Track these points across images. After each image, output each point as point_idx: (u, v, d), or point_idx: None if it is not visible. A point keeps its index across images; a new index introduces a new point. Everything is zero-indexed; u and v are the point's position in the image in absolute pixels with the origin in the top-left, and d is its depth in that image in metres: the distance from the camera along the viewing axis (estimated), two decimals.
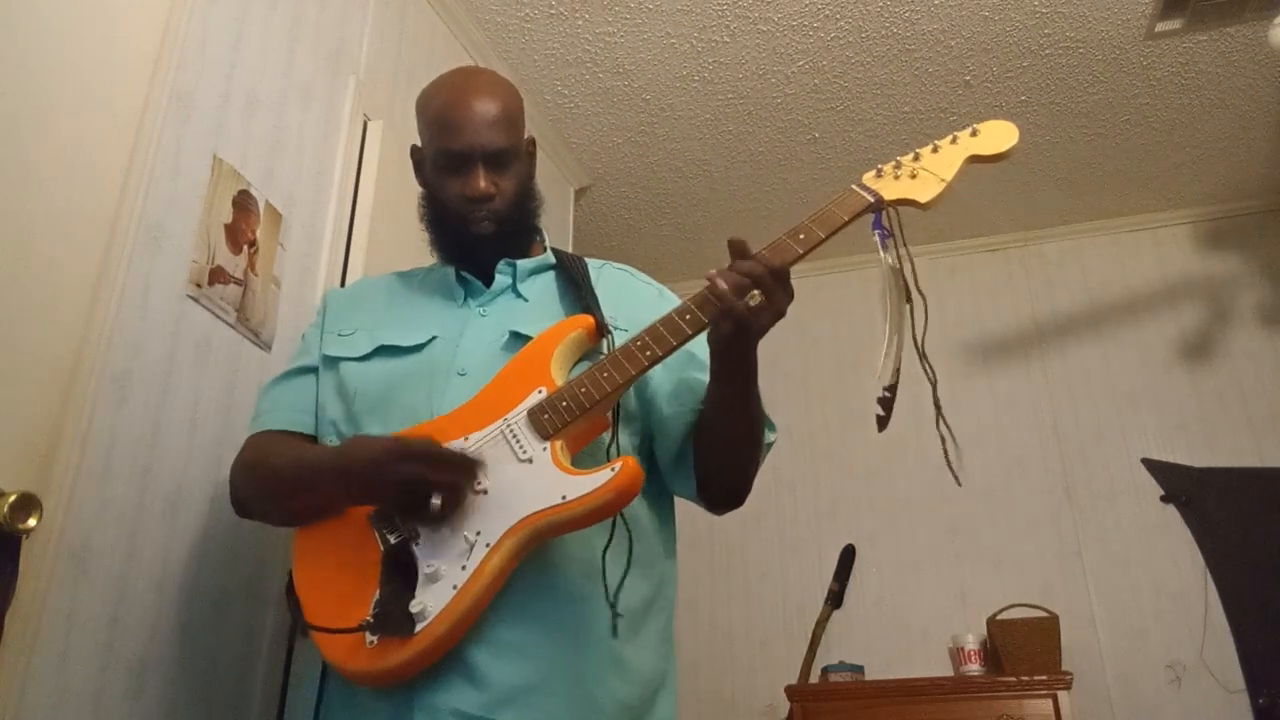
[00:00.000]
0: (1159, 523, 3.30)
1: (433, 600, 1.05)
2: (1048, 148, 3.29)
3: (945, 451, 1.19)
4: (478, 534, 1.07)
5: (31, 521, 1.16)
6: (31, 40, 1.32)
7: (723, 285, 1.09)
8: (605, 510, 1.07)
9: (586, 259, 1.42)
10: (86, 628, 1.30)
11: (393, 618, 1.05)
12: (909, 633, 3.38)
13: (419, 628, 1.04)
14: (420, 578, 1.07)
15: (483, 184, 1.30)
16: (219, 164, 1.67)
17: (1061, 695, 2.85)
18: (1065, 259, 3.78)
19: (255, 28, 1.82)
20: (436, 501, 1.07)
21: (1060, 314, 3.70)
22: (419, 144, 1.43)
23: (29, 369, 1.27)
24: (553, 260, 1.40)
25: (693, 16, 2.71)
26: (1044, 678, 2.89)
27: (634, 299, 1.35)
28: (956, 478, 1.20)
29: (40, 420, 1.27)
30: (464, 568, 1.06)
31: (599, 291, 1.33)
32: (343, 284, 1.94)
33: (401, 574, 1.08)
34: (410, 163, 1.46)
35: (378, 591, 1.08)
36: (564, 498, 1.07)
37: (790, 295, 1.11)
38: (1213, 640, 3.10)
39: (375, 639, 1.06)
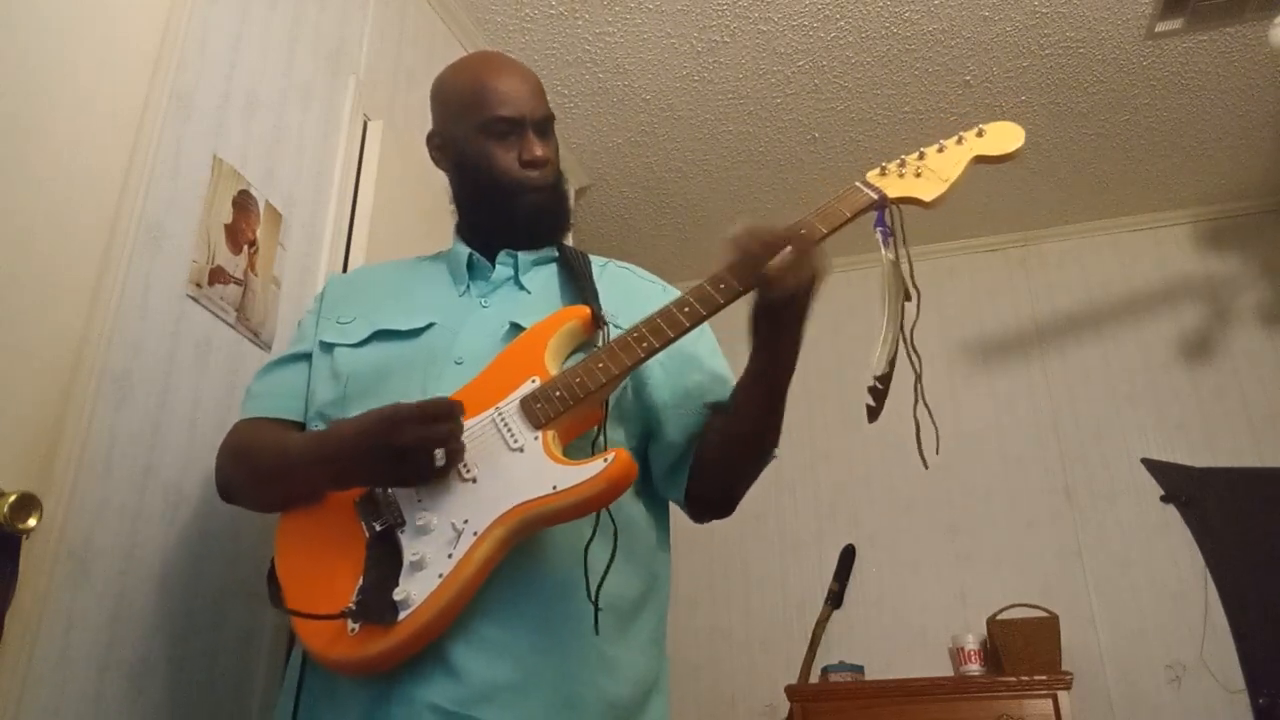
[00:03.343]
0: (1159, 523, 3.31)
1: (417, 589, 1.03)
2: (1048, 148, 3.29)
3: (918, 434, 1.18)
4: (465, 522, 1.06)
5: (31, 521, 1.16)
6: (31, 40, 1.32)
7: (752, 243, 1.09)
8: (596, 501, 1.06)
9: (590, 256, 1.41)
10: (86, 628, 1.30)
11: (375, 605, 1.03)
12: (909, 633, 3.38)
13: (402, 616, 1.02)
14: (405, 565, 1.05)
15: (540, 150, 1.31)
16: (219, 164, 1.67)
17: (1061, 695, 2.85)
18: (1065, 259, 3.78)
19: (255, 28, 1.82)
20: (441, 458, 1.05)
21: (1060, 314, 3.70)
22: (435, 130, 1.41)
23: (29, 369, 1.27)
24: (555, 253, 1.38)
25: (693, 16, 2.71)
26: (1044, 678, 2.89)
27: (636, 297, 1.34)
28: (924, 460, 1.19)
29: (40, 420, 1.27)
30: (450, 556, 1.04)
31: (600, 288, 1.32)
32: None
33: (386, 561, 1.06)
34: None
35: (361, 579, 1.06)
36: (554, 487, 1.05)
37: (822, 265, 1.10)
38: (1213, 640, 3.10)
39: (357, 626, 1.04)
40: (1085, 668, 3.13)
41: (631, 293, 1.36)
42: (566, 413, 1.11)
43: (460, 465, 1.09)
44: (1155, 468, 3.38)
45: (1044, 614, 3.12)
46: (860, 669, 3.22)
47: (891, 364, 1.18)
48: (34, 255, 1.28)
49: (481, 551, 1.04)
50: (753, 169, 3.38)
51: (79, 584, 1.30)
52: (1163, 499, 3.33)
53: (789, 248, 1.08)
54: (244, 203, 1.72)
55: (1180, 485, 3.33)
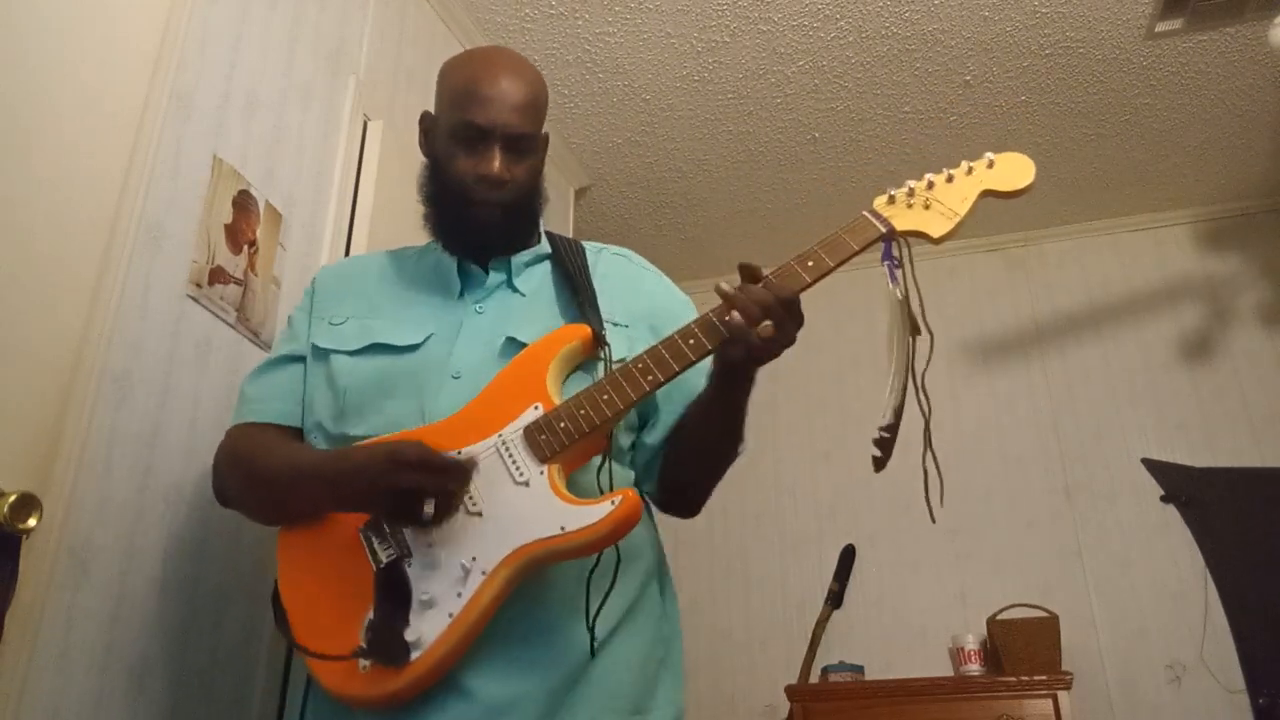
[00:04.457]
0: (1159, 523, 3.30)
1: (428, 628, 1.04)
2: (1048, 148, 3.29)
3: (926, 487, 1.19)
4: (473, 559, 1.06)
5: (31, 521, 1.17)
6: (31, 40, 1.32)
7: (738, 318, 1.09)
8: (603, 543, 1.07)
9: (585, 244, 1.39)
10: (86, 628, 1.30)
11: (387, 645, 1.04)
12: (909, 633, 3.38)
13: (414, 656, 1.03)
14: (414, 604, 1.06)
15: (497, 166, 1.25)
16: (219, 164, 1.67)
17: (1061, 695, 2.84)
18: (1065, 259, 3.78)
19: (255, 28, 1.82)
20: (429, 510, 1.06)
21: (1060, 314, 3.70)
22: (431, 111, 1.38)
23: (29, 369, 1.27)
24: (548, 250, 1.36)
25: (693, 16, 2.71)
26: (1044, 678, 2.89)
27: (633, 290, 1.34)
28: (932, 515, 1.20)
29: (40, 420, 1.27)
30: (460, 595, 1.05)
31: (597, 284, 1.30)
32: None
33: (394, 596, 1.07)
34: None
35: (370, 614, 1.07)
36: (563, 529, 1.05)
37: (800, 322, 1.12)
38: (1213, 640, 3.10)
39: (368, 664, 1.05)
40: (1085, 668, 3.13)
41: (629, 282, 1.35)
42: (571, 446, 1.11)
43: (466, 497, 1.10)
44: (1155, 468, 3.38)
45: (1044, 614, 3.12)
46: (860, 669, 3.22)
47: (898, 414, 1.18)
48: (34, 255, 1.29)
49: (490, 591, 1.05)
50: (753, 169, 3.38)
51: (79, 583, 1.30)
52: (1163, 499, 3.33)
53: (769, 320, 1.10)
54: (244, 203, 1.72)
55: (1180, 485, 3.33)
